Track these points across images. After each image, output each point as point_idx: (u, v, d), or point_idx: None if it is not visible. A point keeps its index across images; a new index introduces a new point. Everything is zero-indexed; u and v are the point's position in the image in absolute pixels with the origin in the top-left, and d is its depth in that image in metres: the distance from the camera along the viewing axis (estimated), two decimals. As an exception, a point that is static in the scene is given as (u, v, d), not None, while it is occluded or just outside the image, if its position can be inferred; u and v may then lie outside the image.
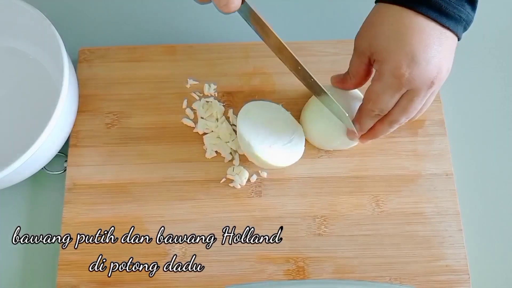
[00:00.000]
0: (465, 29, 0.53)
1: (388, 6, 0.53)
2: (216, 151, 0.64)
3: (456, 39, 0.53)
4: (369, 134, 0.59)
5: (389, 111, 0.56)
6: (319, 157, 0.64)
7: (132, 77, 0.67)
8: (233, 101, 0.66)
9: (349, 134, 0.61)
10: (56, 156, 0.63)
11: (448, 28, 0.52)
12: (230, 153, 0.64)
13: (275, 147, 0.61)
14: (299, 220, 0.62)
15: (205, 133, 0.65)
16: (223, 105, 0.66)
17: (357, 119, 0.59)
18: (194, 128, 0.65)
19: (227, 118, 0.65)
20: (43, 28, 0.60)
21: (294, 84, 0.64)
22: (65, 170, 0.64)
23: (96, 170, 0.63)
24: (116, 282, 0.59)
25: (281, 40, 0.55)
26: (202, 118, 0.65)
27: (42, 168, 0.63)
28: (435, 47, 0.51)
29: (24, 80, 0.68)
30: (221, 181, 0.63)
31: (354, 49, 0.57)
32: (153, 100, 0.66)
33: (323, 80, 0.59)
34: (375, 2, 0.55)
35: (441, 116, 0.66)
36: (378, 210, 0.62)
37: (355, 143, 0.63)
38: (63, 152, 0.64)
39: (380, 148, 0.64)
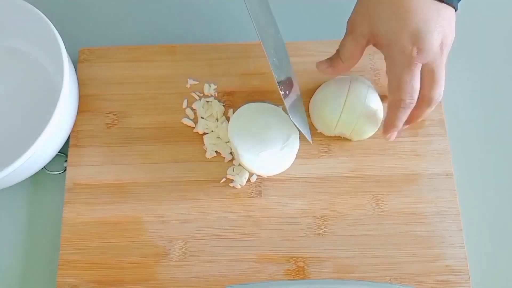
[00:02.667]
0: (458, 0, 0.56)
1: None
2: (216, 151, 0.64)
3: (454, 10, 0.55)
4: (409, 120, 0.58)
5: (422, 93, 0.56)
6: (319, 157, 0.64)
7: (132, 77, 0.67)
8: (233, 101, 0.66)
9: (389, 129, 0.58)
10: (56, 156, 0.63)
11: (442, 1, 0.54)
12: (230, 153, 0.64)
13: (263, 155, 0.60)
14: (299, 220, 0.62)
15: (205, 133, 0.65)
16: (223, 105, 0.66)
17: (391, 117, 0.57)
18: (194, 128, 0.65)
19: (227, 118, 0.65)
20: (43, 28, 0.60)
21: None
22: (65, 170, 0.64)
23: (96, 170, 0.63)
24: (116, 282, 0.59)
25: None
26: (202, 118, 0.65)
27: (42, 168, 0.63)
28: (434, 19, 0.54)
29: (24, 80, 0.68)
30: (221, 181, 0.63)
31: (348, 32, 0.58)
32: (153, 100, 0.66)
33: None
34: None
35: (441, 116, 0.66)
36: (378, 210, 0.62)
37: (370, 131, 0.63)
38: (63, 152, 0.64)
39: (380, 148, 0.64)
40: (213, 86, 0.67)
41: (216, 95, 0.67)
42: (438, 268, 0.60)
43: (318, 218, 0.62)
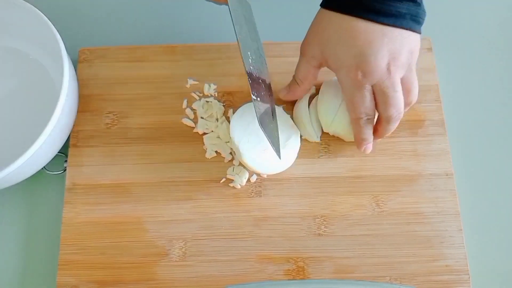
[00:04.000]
0: (414, 21, 0.55)
1: (329, 13, 0.56)
2: (216, 151, 0.64)
3: (408, 31, 0.55)
4: (375, 135, 0.60)
5: (379, 112, 0.58)
6: (319, 157, 0.64)
7: (132, 77, 0.67)
8: (233, 101, 0.66)
9: (359, 144, 0.60)
10: (56, 156, 0.63)
11: (389, 25, 0.54)
12: (230, 153, 0.64)
13: (265, 154, 0.60)
14: (299, 220, 0.62)
15: (205, 133, 0.65)
16: (223, 105, 0.66)
17: (355, 132, 0.60)
18: (194, 128, 0.65)
19: (227, 118, 0.65)
20: (43, 28, 0.60)
21: (294, 84, 0.64)
22: (65, 170, 0.64)
23: (96, 170, 0.63)
24: (116, 282, 0.59)
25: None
26: (202, 118, 0.65)
27: (42, 168, 0.63)
28: (379, 41, 0.54)
29: (24, 80, 0.68)
30: (221, 181, 0.63)
31: (301, 55, 0.59)
32: (153, 100, 0.66)
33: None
34: (320, 5, 0.57)
35: (441, 116, 0.66)
36: (378, 210, 0.62)
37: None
38: (63, 152, 0.64)
39: (380, 148, 0.64)
40: (213, 86, 0.67)
41: (216, 95, 0.67)
42: (438, 268, 0.60)
43: (318, 218, 0.62)
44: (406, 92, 0.57)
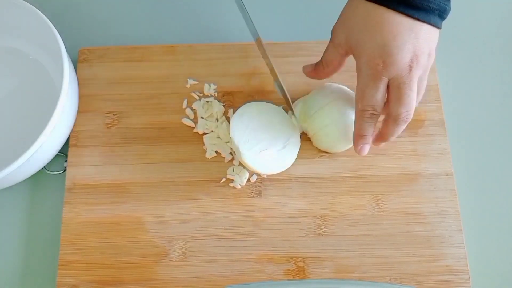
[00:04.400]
0: (440, 17, 0.54)
1: (359, 1, 0.54)
2: (216, 151, 0.64)
3: (433, 27, 0.54)
4: (379, 138, 0.59)
5: (388, 109, 0.56)
6: (319, 157, 0.64)
7: (132, 77, 0.67)
8: (233, 101, 0.66)
9: (357, 141, 0.58)
10: (56, 156, 0.63)
11: (418, 19, 0.53)
12: (230, 153, 0.64)
13: (265, 154, 0.60)
14: (299, 220, 0.62)
15: (205, 133, 0.65)
16: (223, 105, 0.66)
17: (356, 127, 0.58)
18: (194, 128, 0.65)
19: (227, 118, 0.65)
20: (43, 28, 0.60)
21: (295, 84, 0.64)
22: (65, 170, 0.64)
23: (96, 170, 0.63)
24: (116, 282, 0.59)
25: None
26: (202, 118, 0.65)
27: (42, 168, 0.63)
28: (406, 35, 0.53)
29: (24, 80, 0.68)
30: (221, 181, 0.63)
31: (330, 39, 0.58)
32: (153, 100, 0.66)
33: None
34: None
35: (441, 116, 0.66)
36: (378, 210, 0.62)
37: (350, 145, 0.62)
38: (63, 152, 0.64)
39: (380, 148, 0.64)
40: (213, 86, 0.67)
41: (216, 95, 0.67)
42: (438, 268, 0.60)
43: (318, 218, 0.62)
44: (417, 93, 0.56)
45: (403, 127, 0.56)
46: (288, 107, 0.63)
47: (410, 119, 0.55)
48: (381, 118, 0.58)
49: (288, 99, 0.62)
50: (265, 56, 0.61)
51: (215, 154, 0.64)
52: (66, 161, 0.64)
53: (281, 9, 0.72)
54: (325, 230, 0.61)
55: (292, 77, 0.63)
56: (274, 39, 0.68)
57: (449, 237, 0.61)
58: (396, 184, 0.63)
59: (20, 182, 0.62)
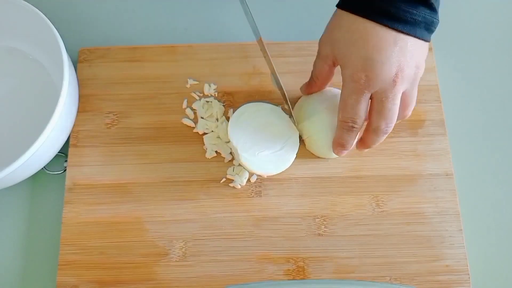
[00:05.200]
0: (428, 30, 0.54)
1: (344, 13, 0.55)
2: (216, 151, 0.64)
3: (420, 40, 0.53)
4: (360, 145, 0.59)
5: (369, 119, 0.56)
6: (319, 157, 0.64)
7: (132, 77, 0.67)
8: (233, 101, 0.66)
9: (335, 147, 0.60)
10: (56, 156, 0.63)
11: (402, 32, 0.52)
12: (230, 153, 0.64)
13: (263, 155, 0.61)
14: (299, 220, 0.62)
15: (205, 133, 0.65)
16: (223, 105, 0.66)
17: (336, 135, 0.59)
18: (194, 128, 0.65)
19: (227, 118, 0.65)
20: (43, 28, 0.60)
21: (295, 84, 0.64)
22: (65, 170, 0.64)
23: (96, 170, 0.63)
24: (116, 282, 0.59)
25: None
26: (202, 118, 0.65)
27: (42, 168, 0.63)
28: (390, 49, 0.52)
29: (24, 80, 0.68)
30: (221, 181, 0.63)
31: (318, 52, 0.59)
32: (153, 100, 0.66)
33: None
34: (336, 6, 0.56)
35: (441, 116, 0.66)
36: (378, 210, 0.62)
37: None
38: (63, 152, 0.64)
39: (380, 148, 0.64)
40: (213, 86, 0.67)
41: (216, 95, 0.67)
42: (438, 268, 0.60)
43: (318, 218, 0.62)
44: (404, 106, 0.56)
45: (383, 138, 0.57)
46: (284, 102, 0.63)
47: (390, 131, 0.56)
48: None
49: (284, 93, 0.63)
50: (263, 50, 0.62)
51: (215, 154, 0.64)
52: (66, 161, 0.64)
53: (281, 9, 0.72)
54: (325, 230, 0.61)
55: (292, 77, 0.63)
56: (274, 39, 0.68)
57: (449, 237, 0.61)
58: (396, 184, 0.63)
59: (20, 182, 0.62)
